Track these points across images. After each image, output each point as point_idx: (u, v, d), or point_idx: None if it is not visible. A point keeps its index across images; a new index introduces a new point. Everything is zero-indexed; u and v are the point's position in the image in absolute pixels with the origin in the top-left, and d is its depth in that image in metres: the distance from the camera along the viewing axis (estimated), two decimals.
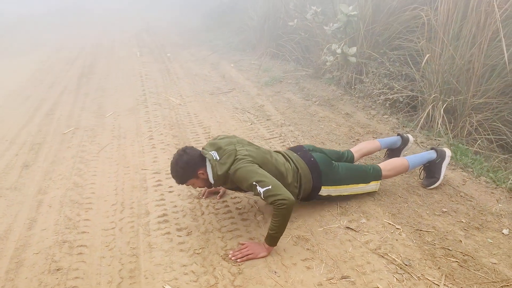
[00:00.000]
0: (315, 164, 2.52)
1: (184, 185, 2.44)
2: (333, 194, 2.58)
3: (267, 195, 2.09)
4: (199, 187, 2.45)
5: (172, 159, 2.38)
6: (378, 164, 2.73)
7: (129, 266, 2.17)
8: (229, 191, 2.86)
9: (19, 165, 3.46)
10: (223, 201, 2.76)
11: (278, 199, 2.06)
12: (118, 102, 5.12)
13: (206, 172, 2.34)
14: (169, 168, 3.20)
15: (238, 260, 2.16)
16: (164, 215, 2.63)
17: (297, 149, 2.68)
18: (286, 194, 2.09)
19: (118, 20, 14.25)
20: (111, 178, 3.16)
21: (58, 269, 2.16)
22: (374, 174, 2.66)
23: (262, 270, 2.11)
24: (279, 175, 2.33)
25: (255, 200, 2.75)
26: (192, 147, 2.41)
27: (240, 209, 2.67)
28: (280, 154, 2.54)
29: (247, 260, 2.17)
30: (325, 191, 2.53)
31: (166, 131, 4.06)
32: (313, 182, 2.48)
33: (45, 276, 2.12)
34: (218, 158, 2.27)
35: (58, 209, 2.75)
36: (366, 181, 2.64)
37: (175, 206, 2.73)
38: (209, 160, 2.30)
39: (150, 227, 2.51)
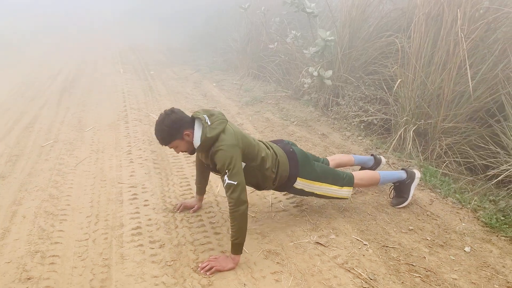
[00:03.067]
0: (294, 154, 2.61)
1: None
2: (306, 189, 2.64)
3: (228, 188, 2.18)
4: (182, 151, 2.39)
5: (158, 117, 2.33)
6: (352, 172, 2.83)
7: (100, 276, 2.20)
8: (203, 206, 2.92)
9: None
10: (197, 215, 2.81)
11: (233, 198, 2.16)
12: (99, 117, 5.15)
13: (193, 134, 2.31)
14: (145, 183, 3.28)
15: (207, 273, 2.20)
16: (138, 227, 2.66)
17: (278, 142, 2.78)
18: (243, 197, 2.17)
19: (101, 39, 14.31)
20: (87, 191, 3.18)
21: (29, 278, 2.17)
22: (347, 179, 2.74)
23: (231, 282, 2.16)
24: (260, 159, 2.41)
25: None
26: (179, 109, 2.37)
27: (213, 223, 2.72)
28: (262, 143, 2.59)
29: (214, 272, 2.21)
30: (299, 183, 2.60)
31: (145, 147, 4.10)
32: (289, 171, 2.57)
33: (15, 285, 2.13)
34: (209, 123, 2.27)
35: (32, 219, 2.76)
36: (340, 184, 2.71)
37: (150, 220, 2.76)
38: (201, 121, 2.29)
39: (123, 239, 2.54)
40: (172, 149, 2.42)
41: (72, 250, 2.43)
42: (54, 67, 8.88)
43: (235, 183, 2.17)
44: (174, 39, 12.89)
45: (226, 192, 2.20)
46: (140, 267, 2.27)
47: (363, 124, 4.46)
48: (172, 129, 2.28)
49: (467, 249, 2.47)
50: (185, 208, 2.88)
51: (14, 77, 7.77)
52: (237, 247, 2.24)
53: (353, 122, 4.54)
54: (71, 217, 2.81)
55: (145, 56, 10.54)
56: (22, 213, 2.86)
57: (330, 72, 4.78)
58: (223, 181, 2.20)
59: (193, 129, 2.32)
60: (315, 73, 4.87)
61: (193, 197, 3.04)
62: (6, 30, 15.17)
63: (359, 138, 4.28)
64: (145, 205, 2.96)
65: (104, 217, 2.80)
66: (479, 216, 2.82)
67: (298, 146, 4.03)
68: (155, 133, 2.35)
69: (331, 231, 2.63)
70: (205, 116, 2.31)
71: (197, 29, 11.70)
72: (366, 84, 4.78)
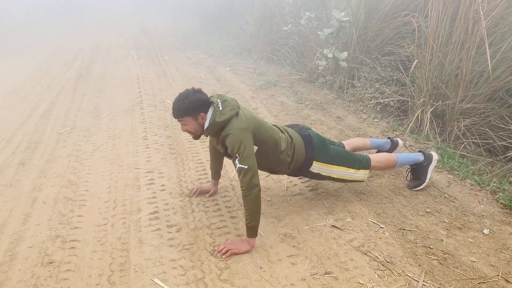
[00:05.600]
0: (310, 138, 2.59)
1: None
2: (323, 173, 2.61)
3: (239, 171, 2.18)
4: (188, 130, 2.40)
5: (183, 91, 2.36)
6: (368, 155, 2.79)
7: (119, 260, 2.24)
8: (219, 190, 2.94)
9: (15, 163, 3.53)
10: (213, 200, 2.83)
11: (245, 182, 2.16)
12: (114, 103, 5.19)
13: (206, 117, 2.33)
14: (162, 168, 3.31)
15: (223, 256, 2.23)
16: (155, 212, 2.70)
17: (293, 126, 2.76)
18: (255, 181, 2.17)
19: (115, 23, 14.35)
20: (104, 177, 3.23)
21: (50, 262, 2.23)
22: (364, 162, 2.71)
23: (248, 265, 2.18)
24: (273, 142, 2.40)
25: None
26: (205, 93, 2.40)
27: (229, 207, 2.74)
28: (276, 127, 2.58)
29: (230, 255, 2.24)
30: (316, 167, 2.57)
31: (161, 132, 4.13)
32: (306, 155, 2.54)
33: (37, 268, 2.19)
34: (220, 108, 2.29)
35: (52, 205, 2.82)
36: (356, 167, 2.68)
37: (166, 204, 2.80)
38: (213, 105, 2.32)
39: (141, 223, 2.58)
40: (186, 136, 2.43)
41: (91, 234, 2.48)
42: (69, 53, 8.96)
43: (246, 167, 2.17)
44: (187, 24, 12.84)
45: (238, 176, 2.21)
46: (158, 251, 2.31)
47: (379, 106, 4.41)
48: (191, 105, 2.29)
49: (485, 231, 2.44)
50: (201, 192, 2.90)
51: (31, 64, 7.87)
52: (251, 231, 2.25)
53: (369, 104, 4.49)
54: (89, 202, 2.86)
55: (159, 41, 10.53)
56: (42, 199, 2.92)
57: (345, 54, 4.71)
58: (235, 165, 2.21)
59: (207, 113, 2.33)
60: (330, 55, 4.80)
61: (208, 181, 3.06)
62: (20, 17, 15.32)
63: (375, 120, 4.23)
64: (161, 190, 2.99)
65: (122, 202, 2.84)
66: (498, 198, 2.78)
67: (314, 130, 4.02)
68: (174, 102, 2.34)
69: (347, 214, 2.63)
70: (218, 101, 2.31)
71: (209, 13, 11.60)
72: (382, 65, 4.71)
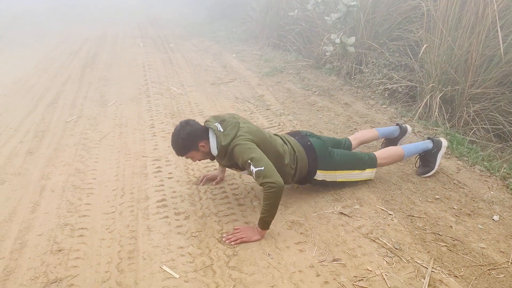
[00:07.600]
0: (312, 147, 2.57)
1: (184, 159, 2.50)
2: (328, 180, 2.62)
3: (258, 176, 2.15)
4: (199, 159, 2.47)
5: (174, 130, 2.40)
6: (374, 153, 2.77)
7: (128, 247, 2.25)
8: (226, 178, 2.93)
9: (23, 151, 3.54)
10: (221, 187, 2.83)
11: (267, 182, 2.11)
12: (121, 92, 5.19)
13: (208, 144, 2.37)
14: (169, 156, 3.31)
15: (232, 243, 2.23)
16: (163, 200, 2.70)
17: (295, 134, 2.74)
18: (276, 178, 2.13)
19: (120, 14, 14.28)
20: (112, 165, 3.23)
21: (59, 250, 2.24)
22: (369, 161, 2.70)
23: (256, 252, 2.18)
24: (277, 155, 2.38)
25: (252, 187, 2.82)
26: (195, 120, 2.43)
27: (237, 195, 2.74)
28: (278, 137, 2.57)
29: (240, 243, 2.23)
30: (320, 175, 2.58)
31: (167, 120, 4.12)
32: (308, 165, 2.53)
33: (47, 256, 2.20)
34: (221, 130, 2.31)
35: (60, 193, 2.83)
36: (361, 167, 2.69)
37: (174, 192, 2.80)
38: (214, 131, 2.34)
39: (149, 211, 2.58)
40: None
41: (99, 222, 2.49)
42: (75, 42, 8.95)
43: (262, 168, 2.14)
44: (193, 12, 12.76)
45: (258, 179, 2.16)
46: (166, 238, 2.31)
47: (387, 92, 4.35)
48: (187, 141, 2.35)
49: (495, 217, 2.42)
50: (208, 180, 2.89)
51: (38, 53, 7.88)
52: (265, 224, 2.24)
53: (377, 90, 4.44)
54: (97, 190, 2.87)
55: (164, 29, 10.48)
56: (50, 187, 2.93)
57: (353, 39, 4.65)
58: (251, 172, 2.17)
59: (208, 139, 2.37)
60: (337, 40, 4.74)
61: (216, 169, 3.05)
62: (28, 7, 15.30)
63: (383, 106, 4.18)
64: (169, 178, 2.99)
65: (130, 190, 2.84)
66: (508, 184, 2.75)
67: (321, 117, 3.99)
68: (171, 144, 2.42)
69: (355, 201, 2.61)
70: (216, 124, 2.34)
71: (215, 2, 11.50)
72: (391, 50, 4.64)
